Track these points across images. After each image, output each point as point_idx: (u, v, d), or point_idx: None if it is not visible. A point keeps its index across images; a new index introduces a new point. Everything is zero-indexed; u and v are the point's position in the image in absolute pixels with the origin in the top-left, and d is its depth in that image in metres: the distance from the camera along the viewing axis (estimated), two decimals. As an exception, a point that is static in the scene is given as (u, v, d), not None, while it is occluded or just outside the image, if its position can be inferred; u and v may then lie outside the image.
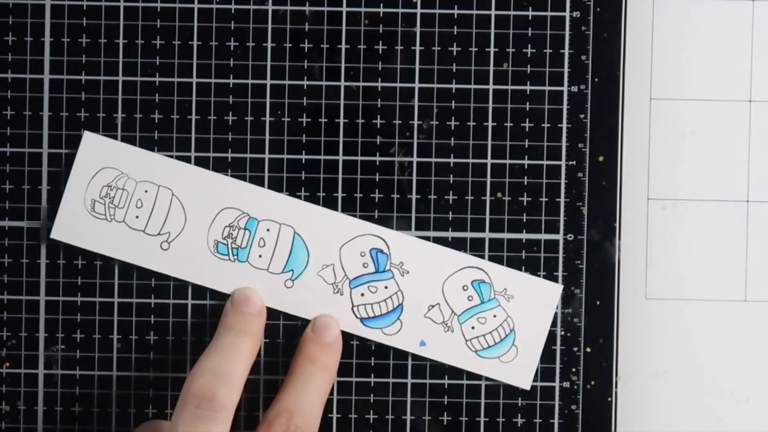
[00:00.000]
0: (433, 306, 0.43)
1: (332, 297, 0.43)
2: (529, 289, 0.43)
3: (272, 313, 0.43)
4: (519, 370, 0.43)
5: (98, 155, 0.43)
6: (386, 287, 0.43)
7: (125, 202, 0.42)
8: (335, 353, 0.42)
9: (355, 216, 0.43)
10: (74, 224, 0.43)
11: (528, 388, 0.43)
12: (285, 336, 0.44)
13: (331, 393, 0.44)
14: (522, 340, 0.43)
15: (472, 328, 0.43)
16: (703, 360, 0.45)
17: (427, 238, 0.43)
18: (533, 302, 0.43)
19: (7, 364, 0.44)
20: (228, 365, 0.39)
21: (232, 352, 0.40)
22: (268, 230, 0.43)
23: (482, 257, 0.43)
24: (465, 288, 0.43)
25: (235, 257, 0.43)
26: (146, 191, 0.43)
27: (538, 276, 0.43)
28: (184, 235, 0.43)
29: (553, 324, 0.43)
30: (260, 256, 0.43)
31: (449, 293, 0.43)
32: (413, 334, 0.43)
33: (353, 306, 0.43)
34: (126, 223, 0.43)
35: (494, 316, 0.43)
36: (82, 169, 0.43)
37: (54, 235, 0.43)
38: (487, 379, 0.43)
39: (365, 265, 0.43)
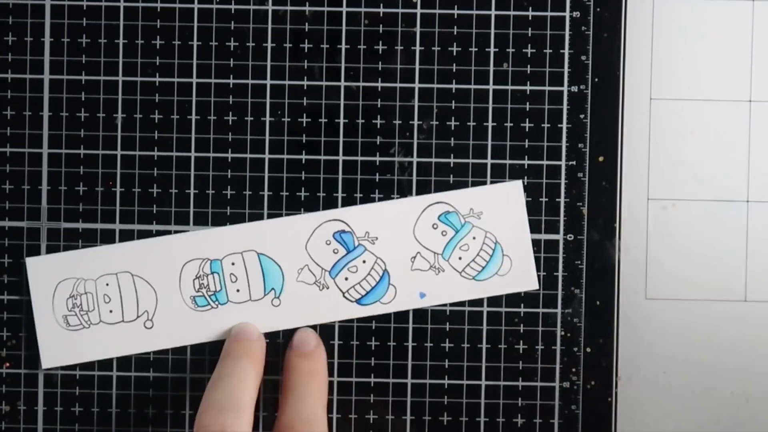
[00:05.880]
0: (414, 257, 0.43)
1: (320, 295, 0.43)
2: (492, 198, 0.43)
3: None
4: (520, 275, 0.43)
5: (48, 274, 0.43)
6: (364, 261, 0.43)
7: (94, 304, 0.43)
8: (318, 358, 0.42)
9: (299, 212, 0.43)
10: (58, 346, 0.43)
11: (536, 287, 0.43)
12: (285, 336, 0.44)
13: (331, 393, 0.44)
14: (510, 248, 0.43)
15: (459, 258, 0.43)
16: (703, 360, 0.45)
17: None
18: (502, 208, 0.43)
19: (7, 364, 0.44)
20: (232, 393, 0.39)
21: (234, 378, 0.40)
22: (233, 264, 0.43)
23: (482, 257, 0.44)
24: (435, 226, 0.43)
25: (216, 302, 0.43)
26: (107, 284, 0.43)
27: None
28: (161, 307, 0.43)
29: (553, 324, 0.44)
30: (238, 290, 0.43)
31: (423, 238, 0.43)
32: (409, 292, 0.43)
33: (343, 293, 0.43)
34: (104, 322, 0.43)
35: (473, 238, 0.43)
36: (40, 293, 0.43)
37: (46, 364, 0.43)
38: (490, 302, 0.43)
39: (335, 251, 0.43)
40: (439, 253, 0.43)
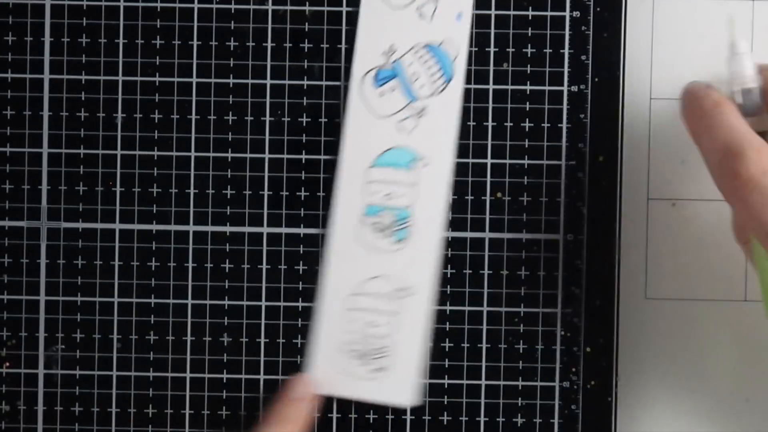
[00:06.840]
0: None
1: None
2: None
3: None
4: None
5: None
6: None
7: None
8: (300, 408, 0.42)
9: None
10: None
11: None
12: (285, 336, 0.44)
13: (331, 393, 0.44)
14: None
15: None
16: (703, 360, 0.45)
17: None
18: None
19: (7, 364, 0.44)
20: None
21: None
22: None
23: (482, 257, 0.43)
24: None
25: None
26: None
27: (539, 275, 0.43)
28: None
29: (553, 324, 0.44)
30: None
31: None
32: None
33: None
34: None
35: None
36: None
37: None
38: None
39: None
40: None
